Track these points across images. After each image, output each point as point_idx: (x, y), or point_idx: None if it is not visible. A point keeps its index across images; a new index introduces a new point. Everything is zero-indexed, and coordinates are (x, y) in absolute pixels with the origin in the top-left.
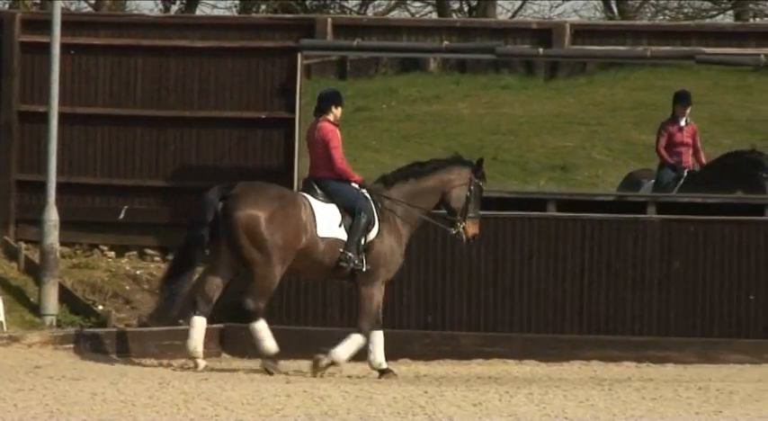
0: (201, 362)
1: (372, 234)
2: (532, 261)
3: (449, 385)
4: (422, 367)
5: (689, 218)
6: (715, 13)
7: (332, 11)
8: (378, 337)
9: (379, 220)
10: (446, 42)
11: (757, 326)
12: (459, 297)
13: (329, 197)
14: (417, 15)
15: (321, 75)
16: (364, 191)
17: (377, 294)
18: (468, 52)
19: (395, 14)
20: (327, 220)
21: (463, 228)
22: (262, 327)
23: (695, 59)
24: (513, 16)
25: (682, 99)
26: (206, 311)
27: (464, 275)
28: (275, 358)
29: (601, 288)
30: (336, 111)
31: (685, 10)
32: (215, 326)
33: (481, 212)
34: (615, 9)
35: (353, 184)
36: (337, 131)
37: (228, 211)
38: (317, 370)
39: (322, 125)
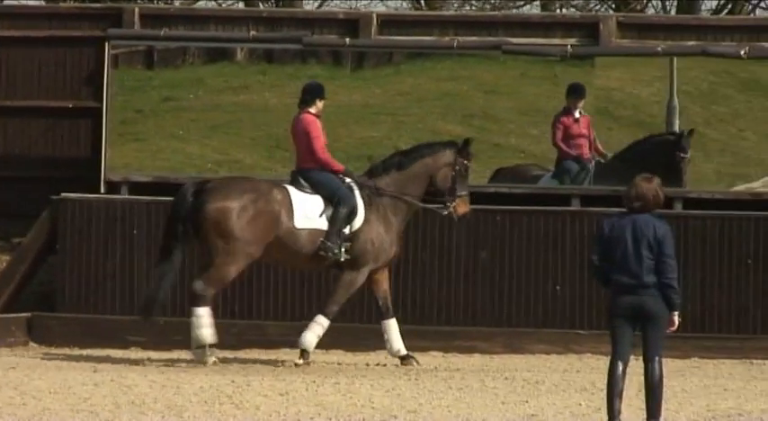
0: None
1: (357, 223)
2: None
3: (256, 374)
4: (229, 356)
5: (495, 208)
6: (521, 3)
7: (139, 0)
8: (392, 326)
9: (365, 209)
10: (253, 32)
11: (564, 317)
12: (265, 286)
13: (313, 188)
14: (225, 5)
15: (129, 64)
16: (349, 180)
17: (358, 280)
18: (275, 42)
19: (202, 4)
20: (307, 211)
21: (453, 207)
22: (203, 314)
23: (502, 50)
24: (319, 6)
25: (575, 91)
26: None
27: (269, 265)
28: (207, 348)
29: (408, 278)
30: (320, 104)
31: (492, 1)
32: (22, 315)
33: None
34: (422, 0)
35: (337, 174)
36: (318, 122)
37: (199, 204)
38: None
39: (303, 117)
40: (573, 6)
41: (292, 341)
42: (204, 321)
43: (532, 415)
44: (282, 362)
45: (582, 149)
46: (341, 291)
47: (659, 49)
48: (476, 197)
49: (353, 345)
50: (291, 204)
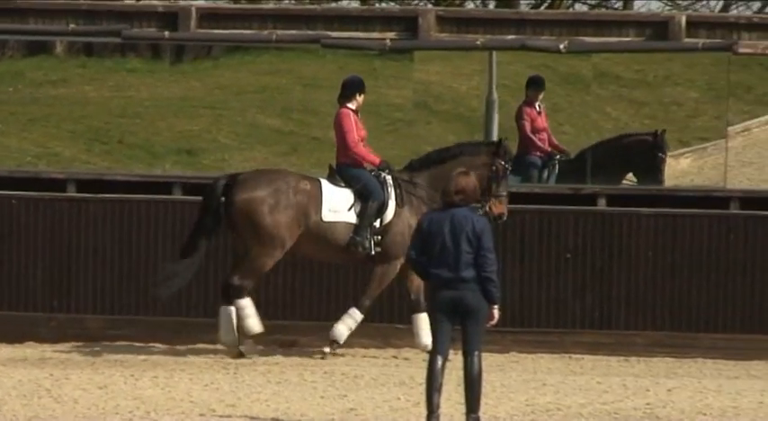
0: (242, 348)
1: (388, 216)
2: (158, 244)
3: (75, 368)
4: (48, 350)
5: None
6: None
7: None
8: (422, 320)
9: (396, 203)
10: (72, 25)
11: (383, 312)
12: (84, 280)
13: (347, 182)
14: None
15: None
16: (384, 174)
17: (389, 273)
18: (94, 35)
19: None
20: (336, 205)
21: (489, 207)
22: (246, 305)
23: (321, 43)
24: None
25: (536, 83)
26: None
27: (90, 258)
28: (256, 339)
29: (227, 271)
30: (359, 99)
31: None
32: None
33: (116, 196)
34: None
35: (370, 168)
36: (352, 117)
37: (230, 196)
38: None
39: (339, 111)
40: (392, 0)
41: (112, 335)
42: (249, 312)
43: (351, 409)
44: (323, 353)
45: (544, 143)
46: (373, 284)
47: (478, 42)
48: None
49: (171, 340)
50: (321, 197)
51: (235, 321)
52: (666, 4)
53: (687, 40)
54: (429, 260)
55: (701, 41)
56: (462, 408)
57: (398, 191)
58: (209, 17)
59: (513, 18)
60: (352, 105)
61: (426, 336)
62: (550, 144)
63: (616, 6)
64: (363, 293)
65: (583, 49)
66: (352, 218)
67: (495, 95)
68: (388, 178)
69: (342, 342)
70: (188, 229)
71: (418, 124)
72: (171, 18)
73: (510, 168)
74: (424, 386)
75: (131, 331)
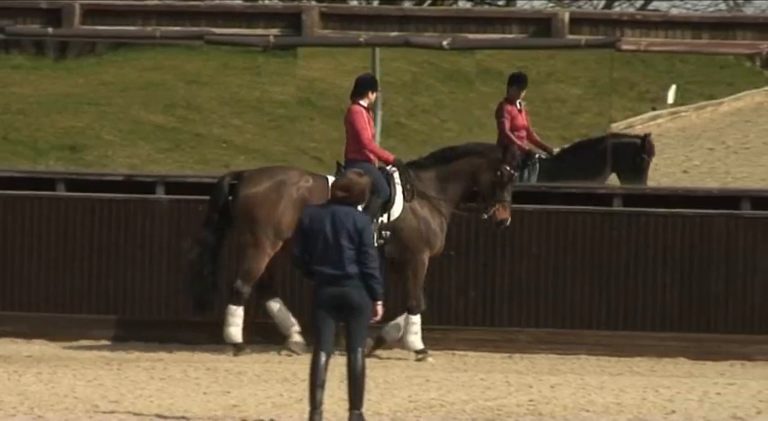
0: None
1: (396, 212)
2: (41, 240)
3: None
4: None
5: (197, 198)
6: None
7: None
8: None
9: (405, 198)
10: None
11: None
12: None
13: None
14: None
15: None
16: (393, 170)
17: (419, 268)
18: None
19: None
20: None
21: (493, 213)
22: (236, 313)
23: (204, 40)
24: None
25: (519, 81)
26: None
27: None
28: (239, 347)
29: (110, 268)
30: (372, 96)
31: None
32: None
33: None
34: None
35: (378, 165)
36: (365, 114)
37: (235, 193)
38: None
39: (351, 108)
40: None
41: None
42: (237, 321)
43: (234, 405)
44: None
45: (522, 141)
46: (410, 284)
47: (361, 39)
48: (179, 188)
49: (57, 335)
50: (326, 194)
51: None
52: (550, 1)
53: (570, 36)
54: (311, 257)
55: (583, 38)
56: (345, 405)
57: (408, 186)
58: (93, 13)
59: (396, 15)
60: (364, 103)
61: (393, 330)
62: (533, 142)
63: (499, 3)
64: (407, 296)
65: (466, 46)
66: None
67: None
68: (396, 174)
69: (422, 347)
70: (76, 226)
71: (302, 120)
72: (54, 14)
73: (516, 174)
74: (307, 382)
75: (15, 327)
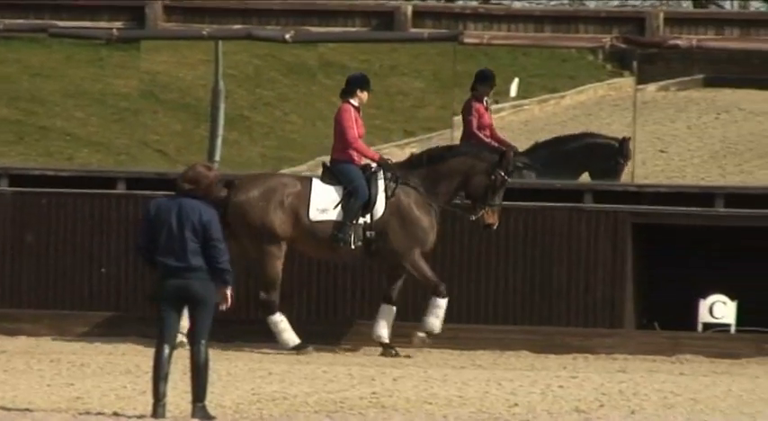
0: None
1: (378, 212)
2: None
3: None
4: None
5: (41, 190)
6: None
7: None
8: (387, 311)
9: (387, 198)
10: None
11: (109, 300)
12: None
13: (337, 179)
14: None
15: None
16: (376, 169)
17: (417, 261)
18: None
19: None
20: (323, 204)
21: (482, 216)
22: (277, 321)
23: (48, 33)
24: None
25: (488, 78)
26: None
27: None
28: (302, 346)
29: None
30: (362, 95)
31: None
32: None
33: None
34: None
35: (360, 164)
36: (352, 113)
37: (226, 201)
38: (417, 345)
39: (340, 107)
40: None
41: None
42: (281, 327)
43: (78, 397)
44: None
45: (490, 141)
46: (417, 276)
47: (204, 32)
48: (22, 180)
49: None
50: (309, 197)
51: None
52: None
53: (413, 30)
54: (156, 248)
55: (426, 32)
56: (189, 397)
57: (393, 186)
58: None
59: (239, 8)
60: (354, 101)
61: (383, 328)
62: (497, 140)
63: None
64: (427, 287)
65: (308, 39)
66: (338, 215)
67: (221, 85)
68: (380, 173)
69: (438, 330)
70: None
71: (145, 113)
72: None
73: (509, 180)
74: (150, 374)
75: None
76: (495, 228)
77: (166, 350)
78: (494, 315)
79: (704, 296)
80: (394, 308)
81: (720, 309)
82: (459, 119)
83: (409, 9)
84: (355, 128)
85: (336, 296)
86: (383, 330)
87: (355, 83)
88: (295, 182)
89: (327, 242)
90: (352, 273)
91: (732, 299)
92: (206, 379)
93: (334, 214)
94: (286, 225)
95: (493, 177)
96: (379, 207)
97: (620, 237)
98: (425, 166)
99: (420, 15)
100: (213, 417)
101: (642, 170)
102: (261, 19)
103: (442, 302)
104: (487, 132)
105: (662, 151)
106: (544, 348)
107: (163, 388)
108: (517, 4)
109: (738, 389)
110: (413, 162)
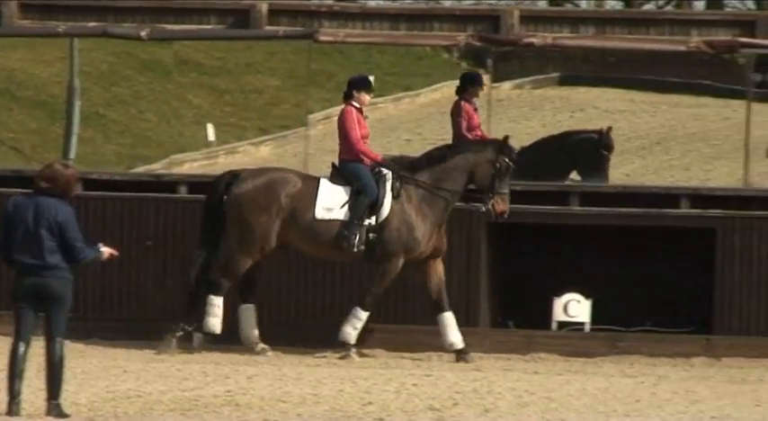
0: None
1: (384, 213)
2: None
3: None
4: None
5: None
6: None
7: None
8: (447, 319)
9: (395, 200)
10: None
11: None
12: None
13: (346, 179)
14: None
15: None
16: (384, 170)
17: (390, 271)
18: None
19: None
20: (331, 203)
21: (492, 204)
22: (215, 304)
23: None
24: None
25: (477, 81)
26: (248, 297)
27: None
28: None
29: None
30: (360, 97)
31: None
32: None
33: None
34: None
35: (368, 165)
36: (354, 114)
37: (228, 192)
38: (342, 358)
39: (343, 109)
40: None
41: None
42: (214, 311)
43: None
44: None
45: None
46: (376, 282)
47: (60, 29)
48: None
49: None
50: (316, 196)
51: (254, 318)
52: None
53: (268, 27)
54: (13, 246)
55: (281, 29)
56: (44, 395)
57: (398, 186)
58: None
59: (95, 5)
60: (355, 103)
61: (453, 335)
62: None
63: None
64: (367, 292)
65: (164, 37)
66: (345, 215)
67: (76, 82)
68: (388, 175)
69: (352, 342)
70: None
71: (0, 111)
72: None
73: (513, 166)
74: (5, 372)
75: None
76: (506, 216)
77: (22, 347)
78: (348, 313)
79: (558, 295)
80: (450, 312)
81: (575, 307)
82: (314, 116)
83: (265, 7)
84: (358, 129)
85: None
86: (453, 337)
87: (354, 85)
88: (298, 180)
89: (331, 242)
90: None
91: (586, 297)
92: (61, 376)
93: (340, 214)
94: (275, 228)
95: (498, 165)
96: (385, 209)
97: (474, 235)
98: (427, 168)
99: (275, 13)
100: (68, 415)
101: None
102: (117, 16)
103: (365, 315)
104: (478, 133)
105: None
106: (399, 346)
107: (18, 385)
108: (372, 3)
109: (593, 388)
110: (415, 163)
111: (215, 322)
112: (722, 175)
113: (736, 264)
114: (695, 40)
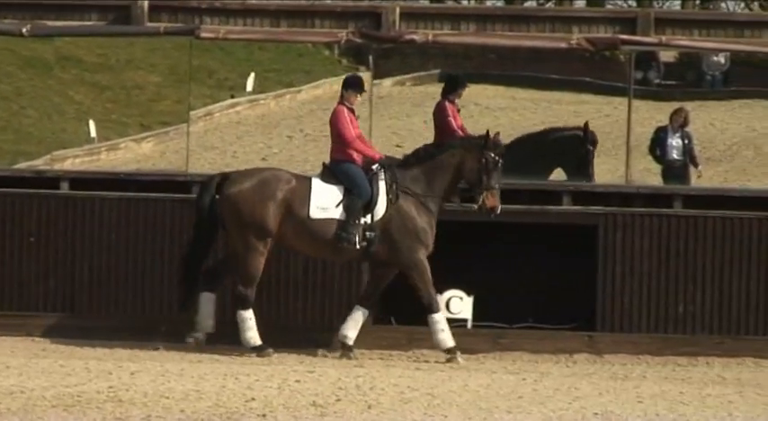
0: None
1: (379, 212)
2: None
3: None
4: None
5: None
6: None
7: None
8: (360, 314)
9: (389, 198)
10: None
11: None
12: None
13: (338, 179)
14: None
15: None
16: (377, 169)
17: (420, 266)
18: None
19: None
20: (325, 202)
21: (483, 200)
22: (246, 318)
23: None
24: None
25: (463, 83)
26: (211, 287)
27: None
28: (262, 348)
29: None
30: (350, 96)
31: None
32: None
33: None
34: None
35: (360, 164)
36: (346, 113)
37: (220, 193)
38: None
39: (335, 109)
40: None
41: None
42: (248, 325)
43: None
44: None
45: None
46: (419, 284)
47: None
48: None
49: None
50: (309, 195)
51: (213, 308)
52: None
53: (149, 24)
54: None
55: (162, 26)
56: None
57: (393, 186)
58: None
59: None
60: (346, 102)
61: (351, 330)
62: None
63: None
64: (421, 297)
65: (45, 33)
66: (341, 214)
67: None
68: (381, 173)
69: (451, 345)
70: None
71: None
72: None
73: (500, 160)
74: None
75: None
76: (498, 211)
77: None
78: (231, 309)
79: (441, 291)
80: (367, 311)
81: (457, 304)
82: (195, 113)
83: (146, 4)
84: (351, 128)
85: (74, 287)
86: (351, 331)
87: (343, 85)
88: (291, 178)
89: (328, 241)
90: (89, 266)
91: (468, 294)
92: None
93: (335, 213)
94: (276, 220)
95: (483, 160)
96: (380, 207)
97: None
98: (416, 166)
99: (156, 10)
100: None
101: None
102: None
103: (440, 317)
104: (460, 133)
105: (398, 146)
106: (282, 343)
107: None
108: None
109: (475, 385)
110: (406, 162)
111: (252, 335)
112: (603, 172)
113: (618, 260)
114: (576, 37)
